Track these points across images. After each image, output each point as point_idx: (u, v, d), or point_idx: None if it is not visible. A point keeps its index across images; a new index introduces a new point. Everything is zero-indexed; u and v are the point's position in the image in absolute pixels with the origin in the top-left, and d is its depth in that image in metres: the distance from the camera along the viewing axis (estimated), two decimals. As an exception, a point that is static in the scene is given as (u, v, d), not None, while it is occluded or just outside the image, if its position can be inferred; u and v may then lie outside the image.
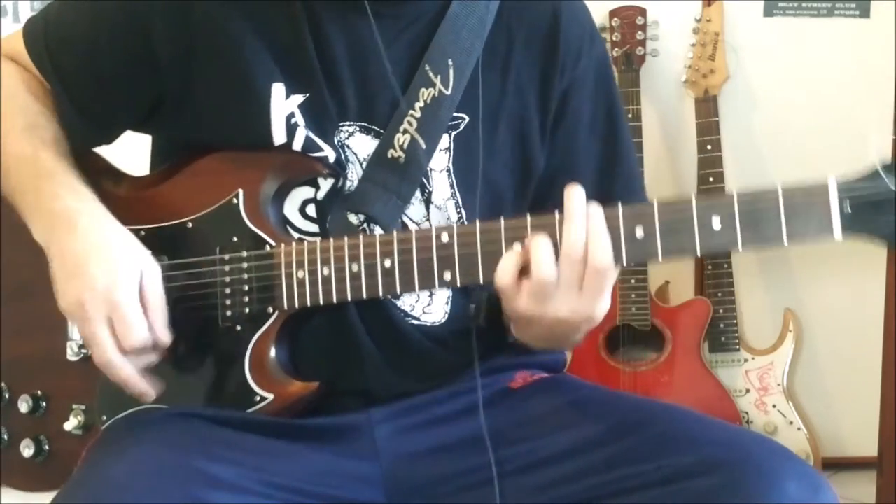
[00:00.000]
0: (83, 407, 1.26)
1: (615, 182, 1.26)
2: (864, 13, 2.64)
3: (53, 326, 1.26)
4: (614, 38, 2.59)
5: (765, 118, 2.67)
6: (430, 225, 1.20)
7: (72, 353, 1.26)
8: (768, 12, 2.66)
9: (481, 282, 1.10)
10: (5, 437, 1.30)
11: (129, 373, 1.14)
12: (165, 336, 1.16)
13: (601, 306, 1.07)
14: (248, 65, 1.17)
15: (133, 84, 1.22)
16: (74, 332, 1.26)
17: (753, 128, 2.68)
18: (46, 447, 1.28)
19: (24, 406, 1.28)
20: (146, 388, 1.16)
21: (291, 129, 1.17)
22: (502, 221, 1.09)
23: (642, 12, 2.60)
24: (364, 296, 1.13)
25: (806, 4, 2.65)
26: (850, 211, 0.99)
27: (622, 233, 1.04)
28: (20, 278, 1.29)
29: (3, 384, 1.30)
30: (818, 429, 2.62)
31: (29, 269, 1.23)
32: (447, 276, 1.10)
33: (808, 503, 0.98)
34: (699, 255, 1.04)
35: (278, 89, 1.17)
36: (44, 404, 1.28)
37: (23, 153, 1.21)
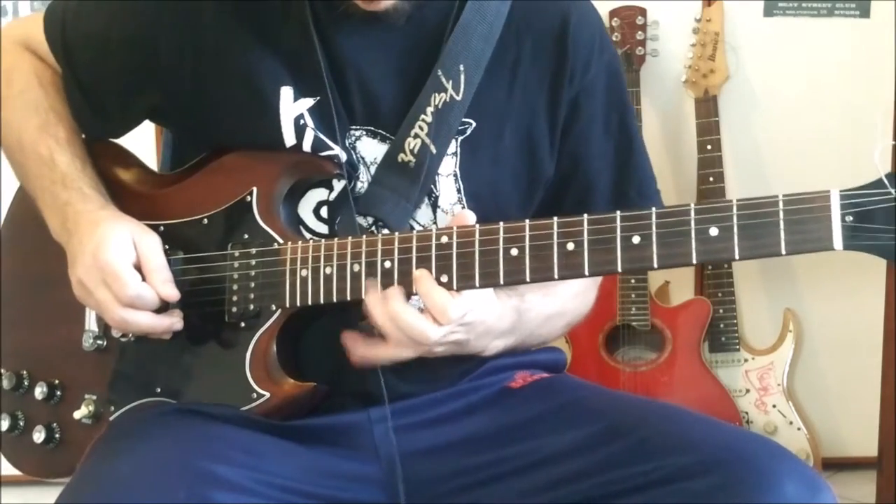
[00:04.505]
0: (94, 397, 1.27)
1: (630, 187, 1.27)
2: (864, 13, 2.63)
3: (72, 316, 1.28)
4: (614, 38, 2.59)
5: (765, 118, 2.67)
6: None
7: (87, 344, 1.28)
8: (768, 12, 2.66)
9: (478, 285, 1.08)
10: (21, 423, 1.32)
11: (146, 321, 1.18)
12: (171, 291, 1.18)
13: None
14: (256, 70, 1.19)
15: (132, 90, 1.26)
16: (91, 323, 1.28)
17: (753, 128, 2.68)
18: (58, 435, 1.29)
19: (38, 393, 1.30)
20: (168, 323, 1.19)
21: (300, 131, 1.18)
22: (501, 225, 1.08)
23: (642, 12, 2.60)
24: (363, 296, 1.13)
25: (806, 4, 2.65)
26: (851, 221, 0.96)
27: (619, 240, 1.03)
28: (43, 269, 1.31)
29: (24, 371, 1.32)
30: (818, 429, 2.62)
31: (51, 260, 1.26)
32: (444, 278, 1.09)
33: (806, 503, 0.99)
34: (695, 262, 1.01)
35: (287, 93, 1.19)
36: (59, 393, 1.30)
37: (40, 156, 1.26)
